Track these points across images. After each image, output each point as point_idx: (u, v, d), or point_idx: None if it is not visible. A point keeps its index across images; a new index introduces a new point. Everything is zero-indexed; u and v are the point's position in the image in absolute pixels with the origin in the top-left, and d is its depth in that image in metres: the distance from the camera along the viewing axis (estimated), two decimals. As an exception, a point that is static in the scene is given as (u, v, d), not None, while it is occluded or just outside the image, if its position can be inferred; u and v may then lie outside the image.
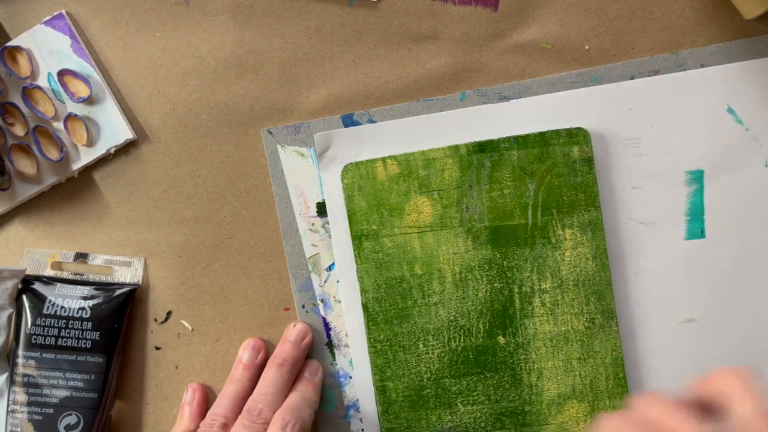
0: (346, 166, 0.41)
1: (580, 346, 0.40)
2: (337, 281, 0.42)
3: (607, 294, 0.40)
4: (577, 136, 0.40)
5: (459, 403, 0.40)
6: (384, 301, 0.40)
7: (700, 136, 0.40)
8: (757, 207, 0.40)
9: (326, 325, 0.42)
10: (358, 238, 0.41)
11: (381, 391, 0.40)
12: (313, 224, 0.42)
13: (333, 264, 0.42)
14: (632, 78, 0.41)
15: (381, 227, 0.40)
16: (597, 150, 0.41)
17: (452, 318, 0.40)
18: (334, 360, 0.42)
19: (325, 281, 0.42)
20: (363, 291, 0.41)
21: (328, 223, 0.42)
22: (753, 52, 0.41)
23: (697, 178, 0.40)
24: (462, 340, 0.40)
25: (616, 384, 0.40)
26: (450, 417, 0.40)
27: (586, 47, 0.41)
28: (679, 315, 0.41)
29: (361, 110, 0.42)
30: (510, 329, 0.40)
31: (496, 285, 0.40)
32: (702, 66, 0.41)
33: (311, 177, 0.42)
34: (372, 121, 0.41)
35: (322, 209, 0.42)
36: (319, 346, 0.42)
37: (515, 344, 0.40)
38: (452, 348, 0.40)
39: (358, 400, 0.42)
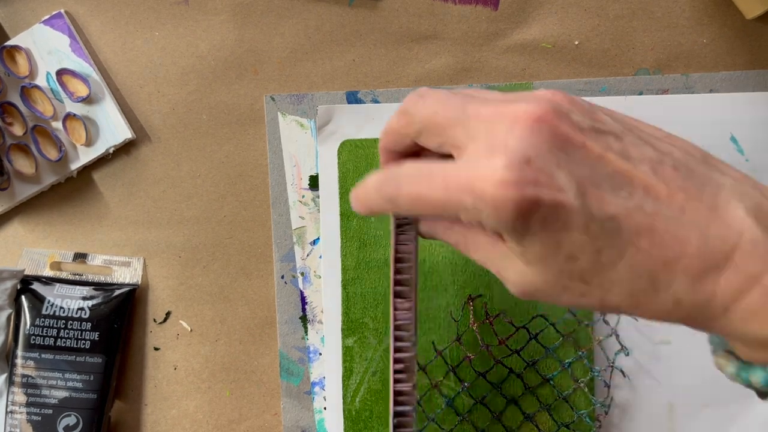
0: (343, 143, 0.41)
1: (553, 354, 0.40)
2: (320, 256, 0.42)
3: None
4: None
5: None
6: (364, 282, 0.40)
7: None
8: None
9: (303, 298, 0.42)
10: (346, 216, 0.41)
11: (348, 373, 0.40)
12: (303, 196, 0.42)
13: (318, 239, 0.42)
14: (640, 93, 0.41)
15: None
16: (596, 160, 0.41)
17: (426, 312, 0.40)
18: (306, 335, 0.42)
19: (307, 255, 0.42)
20: (344, 269, 0.41)
21: (318, 197, 0.42)
22: (764, 83, 0.41)
23: None
24: (433, 335, 0.40)
25: (582, 394, 0.40)
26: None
27: (576, 42, 0.41)
28: (656, 335, 0.41)
29: (366, 89, 0.42)
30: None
31: (475, 282, 0.40)
32: (711, 91, 0.41)
33: (308, 149, 0.42)
34: (376, 101, 0.41)
35: (314, 182, 0.42)
36: (293, 318, 0.42)
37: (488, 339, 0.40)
38: (421, 345, 0.40)
39: (324, 378, 0.42)
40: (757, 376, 0.25)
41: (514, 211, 0.23)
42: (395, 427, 0.33)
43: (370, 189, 0.28)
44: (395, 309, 0.33)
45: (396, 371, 0.33)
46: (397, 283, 0.33)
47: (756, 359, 0.25)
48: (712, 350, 0.27)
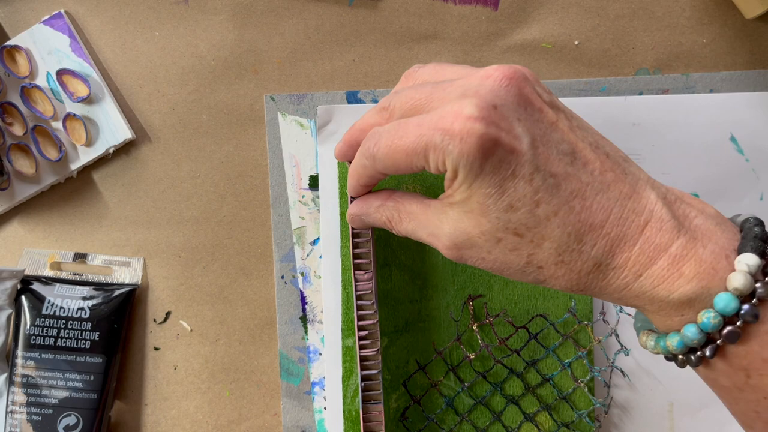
0: None
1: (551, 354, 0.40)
2: (320, 256, 0.42)
3: (585, 302, 0.40)
4: None
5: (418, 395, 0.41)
6: None
7: (700, 161, 0.40)
8: None
9: (303, 299, 0.42)
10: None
11: (348, 373, 0.40)
12: (303, 196, 0.42)
13: (318, 239, 0.42)
14: (640, 93, 0.41)
15: None
16: (596, 160, 0.41)
17: (426, 312, 0.40)
18: (306, 335, 0.42)
19: (307, 255, 0.42)
20: (344, 269, 0.40)
21: (318, 197, 0.42)
22: (764, 83, 0.41)
23: None
24: (433, 335, 0.40)
25: (582, 394, 0.40)
26: (408, 404, 0.41)
27: (576, 42, 0.41)
28: None
29: (366, 89, 0.42)
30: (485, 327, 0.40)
31: (474, 283, 0.40)
32: (711, 91, 0.41)
33: (308, 149, 0.42)
34: (376, 101, 0.41)
35: (314, 182, 0.42)
36: (293, 319, 0.42)
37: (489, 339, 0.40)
38: (421, 344, 0.40)
39: (324, 378, 0.42)
40: (672, 341, 0.27)
41: (476, 145, 0.26)
42: (363, 390, 0.37)
43: (357, 156, 0.31)
44: (356, 281, 0.37)
45: (360, 338, 0.37)
46: (356, 256, 0.37)
47: (670, 326, 0.27)
48: (637, 333, 0.30)
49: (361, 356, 0.37)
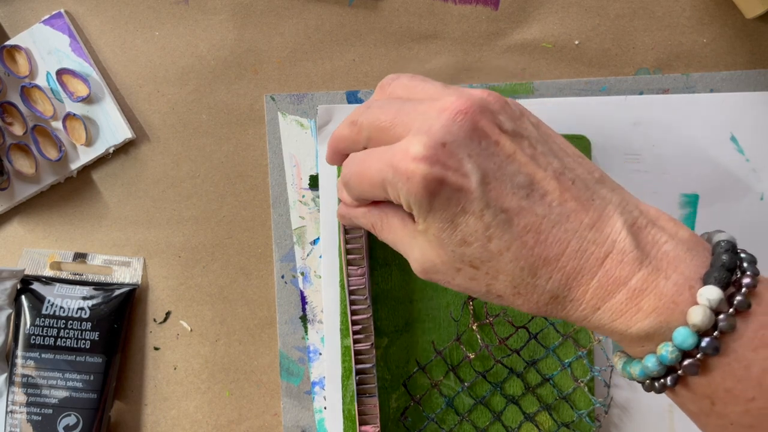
0: None
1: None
2: (320, 256, 0.42)
3: None
4: (578, 143, 0.40)
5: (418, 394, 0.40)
6: None
7: (700, 161, 0.40)
8: (747, 239, 0.40)
9: (303, 298, 0.42)
10: None
11: (347, 372, 0.40)
12: (303, 196, 0.42)
13: (318, 238, 0.42)
14: (641, 93, 0.41)
15: None
16: (596, 160, 0.40)
17: (426, 312, 0.40)
18: (306, 335, 0.42)
19: (308, 255, 0.42)
20: (344, 269, 0.40)
21: (318, 197, 0.42)
22: (764, 83, 0.41)
23: (691, 202, 0.40)
24: (433, 335, 0.40)
25: (582, 394, 0.40)
26: (408, 404, 0.41)
27: (576, 42, 0.41)
28: None
29: (366, 89, 0.42)
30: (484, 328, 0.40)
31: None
32: (711, 91, 0.41)
33: (308, 148, 0.42)
34: None
35: (314, 182, 0.42)
36: (293, 318, 0.42)
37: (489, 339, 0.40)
38: (421, 344, 0.40)
39: (324, 378, 0.42)
40: (634, 369, 0.27)
41: (421, 185, 0.26)
42: (357, 383, 0.38)
43: (341, 180, 0.31)
44: (349, 276, 0.38)
45: (354, 332, 0.38)
46: (348, 252, 0.38)
47: (634, 353, 0.28)
48: (612, 350, 0.30)
49: (355, 350, 0.38)
